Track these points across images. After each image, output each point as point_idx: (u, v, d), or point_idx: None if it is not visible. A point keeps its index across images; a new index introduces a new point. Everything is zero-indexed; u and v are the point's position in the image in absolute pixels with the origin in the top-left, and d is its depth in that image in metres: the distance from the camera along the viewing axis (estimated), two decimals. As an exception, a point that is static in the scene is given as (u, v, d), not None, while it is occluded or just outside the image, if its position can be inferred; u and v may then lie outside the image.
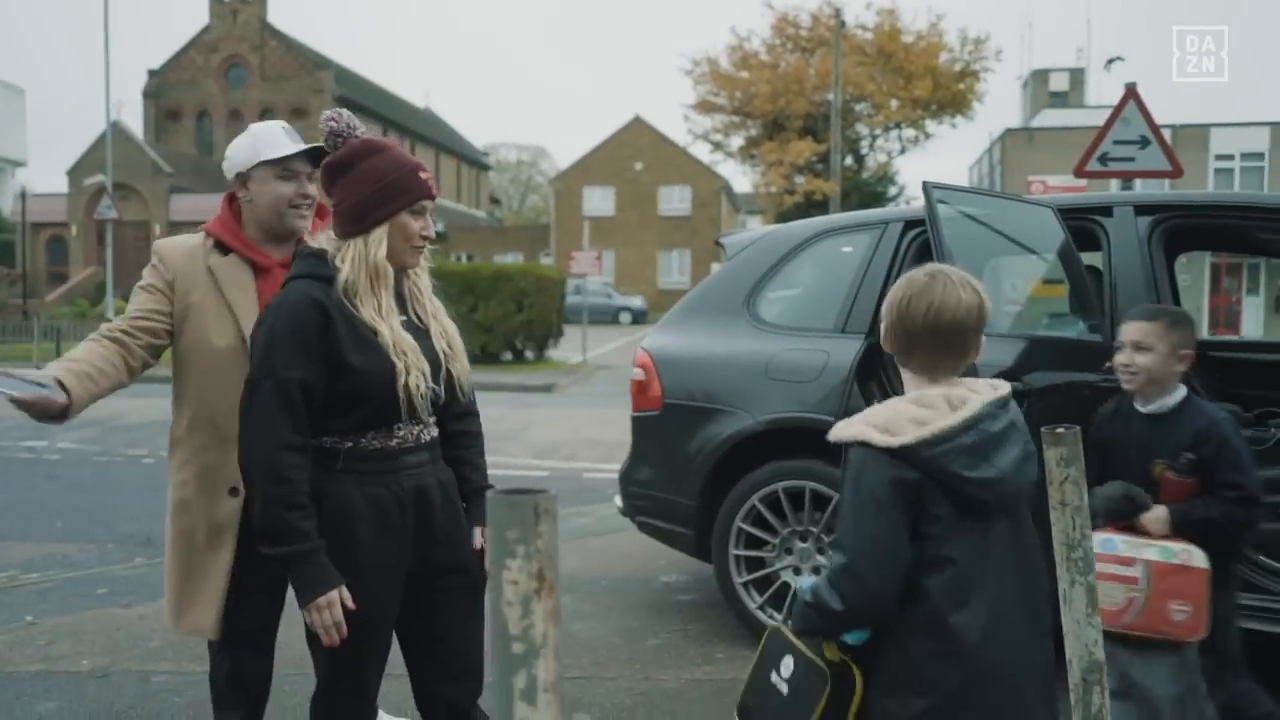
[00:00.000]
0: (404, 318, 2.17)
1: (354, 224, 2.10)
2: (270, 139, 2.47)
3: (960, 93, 31.63)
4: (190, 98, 44.21)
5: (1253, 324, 28.54)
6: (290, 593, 2.16)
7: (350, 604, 2.03)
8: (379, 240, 2.09)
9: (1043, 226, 3.55)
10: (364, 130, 2.21)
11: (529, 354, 19.82)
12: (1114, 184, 7.51)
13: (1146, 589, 2.51)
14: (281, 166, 2.43)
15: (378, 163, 2.11)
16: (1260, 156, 29.58)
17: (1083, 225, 3.62)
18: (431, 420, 2.22)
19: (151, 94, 44.36)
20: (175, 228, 37.80)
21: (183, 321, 2.48)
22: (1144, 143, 6.75)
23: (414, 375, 2.08)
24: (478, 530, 2.29)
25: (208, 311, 2.44)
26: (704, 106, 33.10)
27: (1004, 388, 1.81)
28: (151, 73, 44.55)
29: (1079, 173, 6.94)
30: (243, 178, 2.48)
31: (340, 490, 2.07)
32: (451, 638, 2.27)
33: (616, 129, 45.28)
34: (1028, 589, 1.81)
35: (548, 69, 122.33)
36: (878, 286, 3.83)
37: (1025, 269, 5.17)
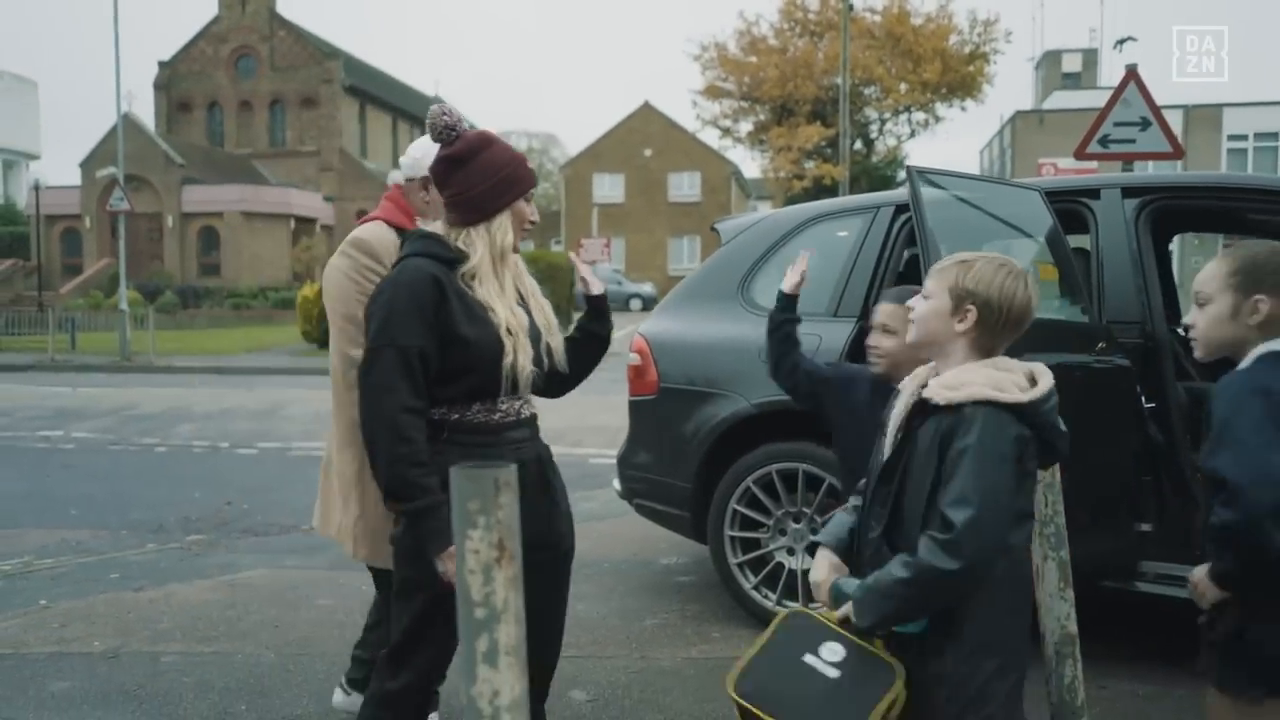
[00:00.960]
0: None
1: (476, 212, 2.25)
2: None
3: (970, 75, 31.41)
4: (200, 89, 44.32)
5: (1266, 306, 28.30)
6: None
7: None
8: (504, 226, 2.27)
9: (1030, 209, 3.58)
10: (470, 124, 2.35)
11: (538, 341, 19.91)
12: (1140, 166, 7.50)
13: None
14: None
15: (494, 155, 2.27)
16: (1274, 136, 29.32)
17: (1070, 208, 3.66)
18: (531, 398, 2.39)
19: (162, 85, 44.49)
20: (187, 219, 38.02)
21: None
22: (1144, 124, 6.73)
23: (521, 353, 2.24)
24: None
25: None
26: (712, 92, 33.00)
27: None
28: (162, 64, 44.66)
29: (1080, 155, 6.93)
30: (425, 180, 2.72)
31: (445, 460, 2.10)
32: (539, 608, 2.35)
33: (626, 116, 45.22)
34: None
35: (557, 56, 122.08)
36: (869, 270, 3.88)
37: (1021, 251, 5.19)
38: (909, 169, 3.33)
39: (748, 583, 3.99)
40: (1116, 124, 6.80)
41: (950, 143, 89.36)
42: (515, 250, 2.35)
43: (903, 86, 31.15)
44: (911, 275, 4.05)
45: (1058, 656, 2.26)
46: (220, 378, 16.41)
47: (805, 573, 3.91)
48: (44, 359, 18.51)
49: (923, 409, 1.86)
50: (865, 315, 3.85)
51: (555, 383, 2.51)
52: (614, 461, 4.68)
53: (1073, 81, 36.50)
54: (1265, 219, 3.91)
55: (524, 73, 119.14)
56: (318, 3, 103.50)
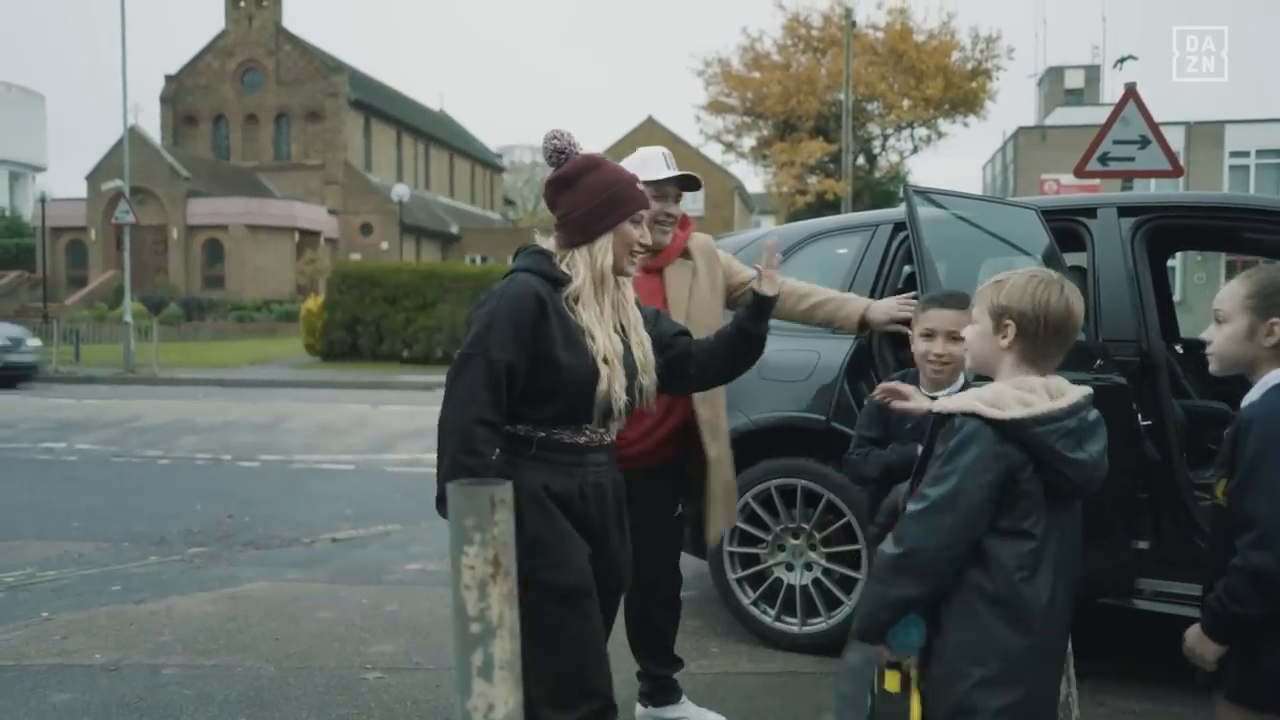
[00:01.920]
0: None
1: (580, 234, 2.26)
2: (652, 163, 2.96)
3: (972, 91, 31.46)
4: (207, 102, 44.54)
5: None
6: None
7: (574, 578, 2.15)
8: (604, 249, 2.27)
9: (1027, 228, 3.61)
10: (584, 148, 2.38)
11: (541, 355, 19.91)
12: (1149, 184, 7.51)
13: None
14: (656, 188, 2.87)
15: (600, 176, 2.28)
16: (1276, 154, 29.33)
17: (1067, 226, 3.68)
18: (614, 426, 2.35)
19: (168, 99, 44.72)
20: (192, 231, 38.16)
21: None
22: (1144, 142, 6.77)
23: (615, 384, 2.22)
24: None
25: None
26: (716, 107, 33.09)
27: (1085, 388, 1.91)
28: (168, 78, 44.90)
29: (1080, 173, 6.97)
30: None
31: (533, 475, 2.17)
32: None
33: (629, 130, 45.35)
34: (1071, 571, 1.91)
35: (561, 71, 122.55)
36: (868, 287, 3.90)
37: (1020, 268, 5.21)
38: (906, 187, 3.36)
39: (746, 598, 4.00)
40: (1116, 142, 6.84)
41: (953, 158, 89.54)
42: (624, 274, 2.33)
43: (905, 102, 31.22)
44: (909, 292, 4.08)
45: (1052, 673, 2.27)
46: (223, 390, 16.45)
47: (804, 588, 3.94)
48: (48, 370, 18.56)
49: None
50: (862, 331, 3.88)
51: (686, 380, 2.48)
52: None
53: (1075, 98, 36.59)
54: (1260, 238, 3.93)
55: (528, 87, 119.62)
56: (324, 17, 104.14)
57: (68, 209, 38.20)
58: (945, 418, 1.87)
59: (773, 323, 4.13)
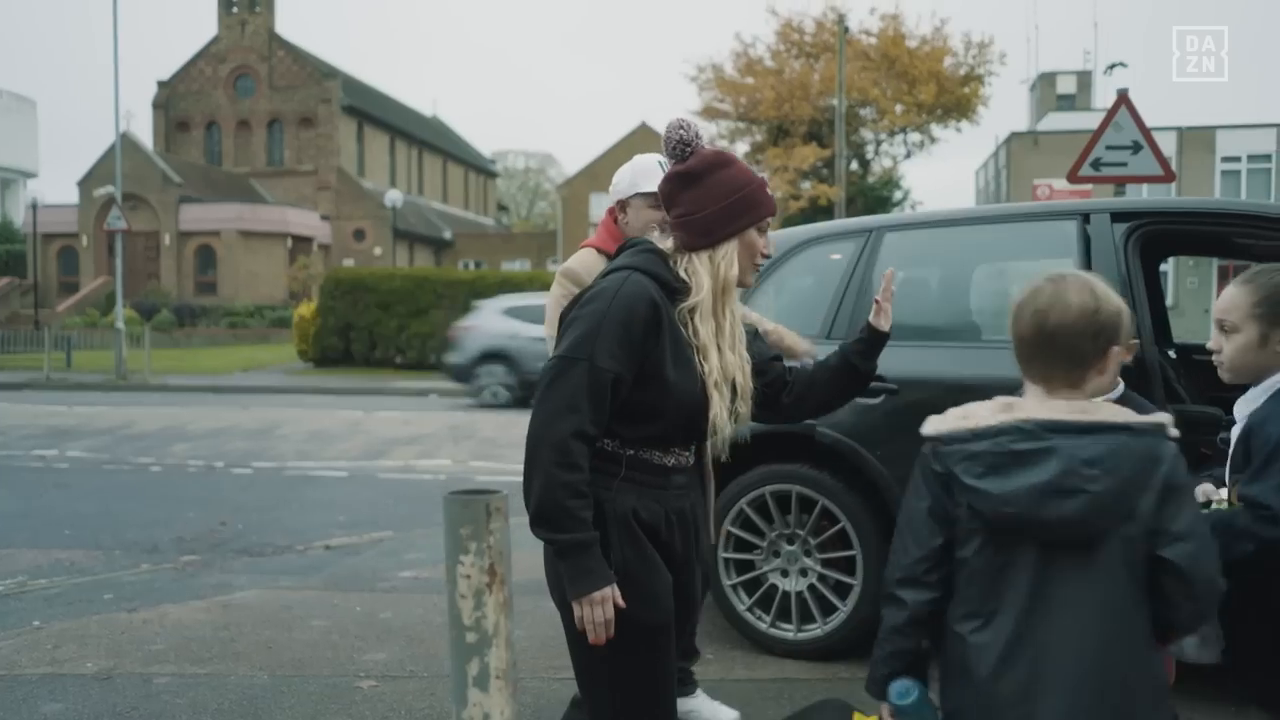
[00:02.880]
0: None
1: (702, 237, 2.03)
2: (648, 173, 2.89)
3: (965, 97, 31.56)
4: (199, 108, 44.50)
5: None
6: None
7: (621, 603, 1.89)
8: (729, 256, 2.03)
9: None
10: (710, 142, 2.17)
11: (535, 361, 19.92)
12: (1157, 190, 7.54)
13: None
14: (655, 198, 2.68)
15: (732, 175, 2.06)
16: (1267, 158, 29.51)
17: (1059, 231, 3.69)
18: (700, 449, 2.20)
19: (161, 105, 44.67)
20: (184, 237, 38.08)
21: None
22: (1136, 148, 6.80)
23: (724, 410, 2.02)
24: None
25: None
26: (709, 113, 33.13)
27: (1121, 415, 1.62)
28: (161, 84, 44.86)
29: (1072, 178, 6.99)
30: (621, 204, 2.94)
31: (622, 497, 1.98)
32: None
33: (623, 136, 45.44)
34: (1104, 665, 1.57)
35: (554, 77, 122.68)
36: (859, 293, 3.91)
37: (1024, 275, 5.23)
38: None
39: (741, 604, 3.99)
40: (1108, 147, 6.87)
41: (946, 163, 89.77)
42: (745, 285, 2.10)
43: (898, 108, 31.31)
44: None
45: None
46: (216, 397, 16.40)
47: (799, 595, 3.94)
48: (39, 377, 18.50)
49: None
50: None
51: (778, 409, 2.27)
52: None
53: (1067, 103, 36.76)
54: (1251, 243, 3.94)
55: (522, 93, 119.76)
56: (316, 23, 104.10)
57: (59, 215, 38.11)
58: None
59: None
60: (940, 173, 63.70)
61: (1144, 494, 1.55)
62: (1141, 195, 14.10)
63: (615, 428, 1.98)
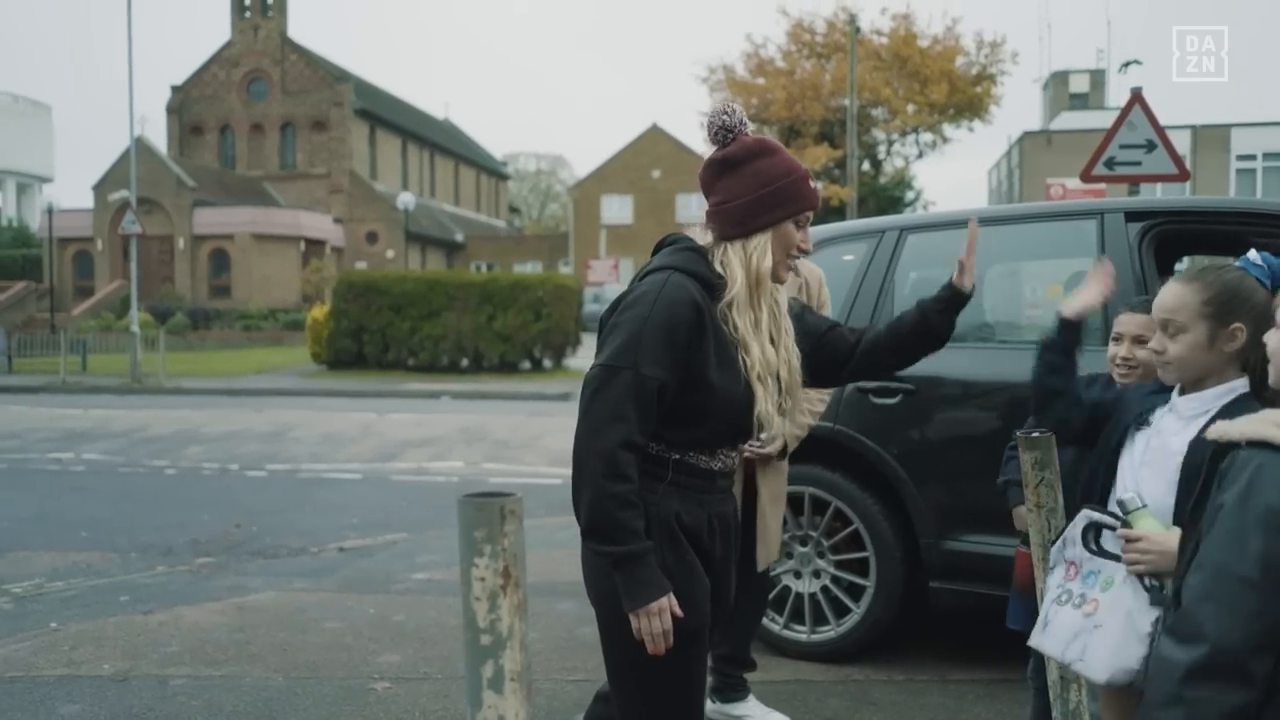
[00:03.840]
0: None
1: (736, 226, 1.97)
2: None
3: (977, 96, 31.49)
4: (213, 112, 44.74)
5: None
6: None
7: (679, 612, 1.86)
8: (763, 247, 1.97)
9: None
10: (754, 129, 2.12)
11: (546, 363, 19.97)
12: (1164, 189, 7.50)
13: None
14: None
15: (772, 164, 2.00)
16: (1282, 156, 29.32)
17: (1074, 231, 3.68)
18: (744, 450, 2.20)
19: (175, 109, 44.92)
20: (198, 241, 38.28)
21: None
22: (1150, 146, 6.76)
23: (770, 406, 1.97)
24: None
25: None
26: (720, 114, 33.16)
27: None
28: (174, 88, 45.12)
29: (1085, 177, 6.97)
30: None
31: (666, 502, 1.95)
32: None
33: (634, 137, 45.51)
34: None
35: (565, 79, 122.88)
36: (874, 293, 3.90)
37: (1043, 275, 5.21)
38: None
39: (755, 606, 3.99)
40: (1122, 146, 6.84)
41: (958, 163, 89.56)
42: (780, 280, 2.02)
43: (910, 108, 31.26)
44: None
45: (1062, 682, 2.26)
46: (230, 399, 16.48)
47: (812, 596, 3.93)
48: (55, 381, 18.62)
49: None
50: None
51: (833, 377, 2.22)
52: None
53: (1080, 102, 36.59)
54: (1267, 242, 3.92)
55: (533, 95, 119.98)
56: (329, 27, 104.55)
57: (75, 219, 38.36)
58: (1227, 447, 1.37)
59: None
60: (952, 173, 63.46)
61: None
62: (1155, 194, 14.03)
63: (661, 432, 1.94)
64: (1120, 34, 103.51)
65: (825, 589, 3.88)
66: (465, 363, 20.07)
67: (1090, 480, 2.17)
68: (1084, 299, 2.25)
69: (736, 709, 3.32)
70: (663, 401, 1.90)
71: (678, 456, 1.97)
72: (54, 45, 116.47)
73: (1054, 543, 2.11)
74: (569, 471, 1.95)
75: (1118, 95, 33.32)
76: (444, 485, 8.24)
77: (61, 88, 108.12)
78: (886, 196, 32.41)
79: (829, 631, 3.85)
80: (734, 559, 2.14)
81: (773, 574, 3.96)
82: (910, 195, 34.91)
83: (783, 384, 2.02)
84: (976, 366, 3.69)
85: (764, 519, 3.11)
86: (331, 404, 15.51)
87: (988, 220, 4.12)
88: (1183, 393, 2.02)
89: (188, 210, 37.97)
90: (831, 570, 3.86)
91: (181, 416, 13.51)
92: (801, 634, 3.90)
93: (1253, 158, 29.39)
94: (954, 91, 30.63)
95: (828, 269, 4.25)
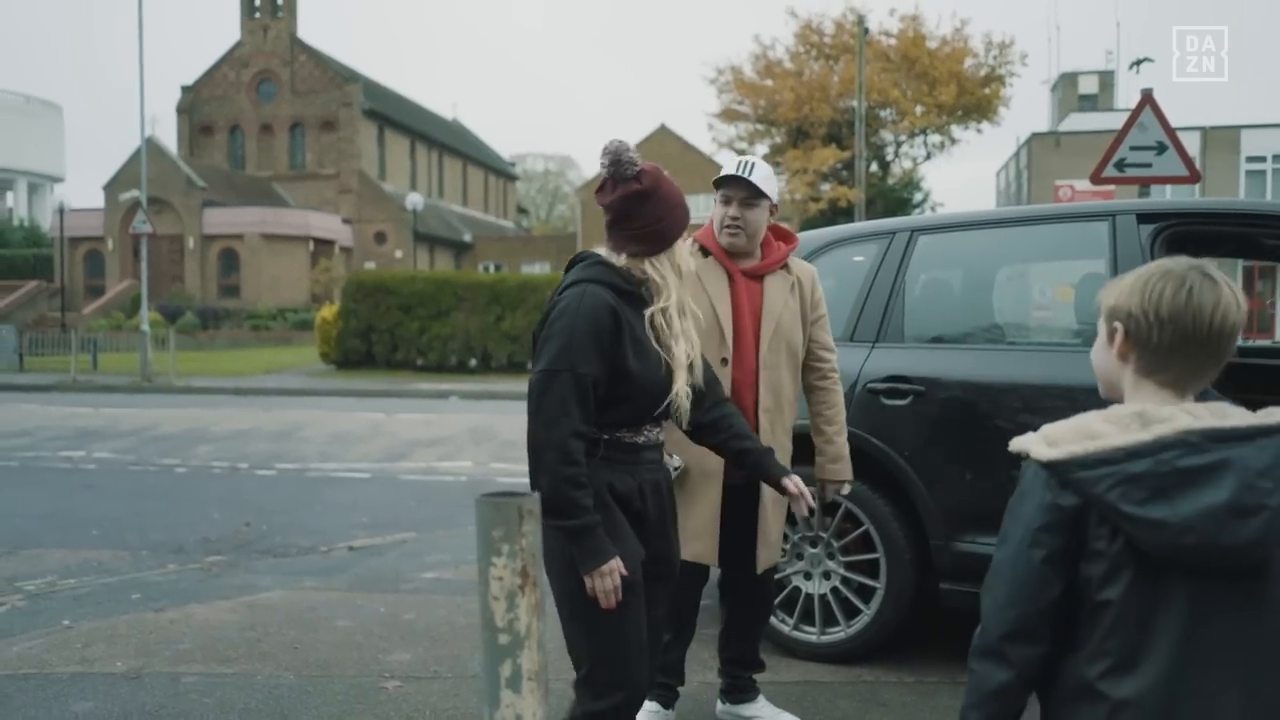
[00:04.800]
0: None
1: (662, 243, 2.35)
2: (725, 167, 3.07)
3: (985, 98, 31.40)
4: (222, 112, 44.90)
5: (1286, 328, 28.11)
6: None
7: (625, 571, 2.20)
8: (682, 252, 2.39)
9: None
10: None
11: (555, 363, 19.94)
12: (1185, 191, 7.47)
13: None
14: (721, 190, 3.05)
15: (672, 186, 2.39)
16: (1293, 158, 29.18)
17: (1086, 233, 3.67)
18: (666, 426, 2.47)
19: (185, 109, 45.10)
20: (208, 241, 38.42)
21: None
22: (1161, 148, 6.73)
23: (685, 387, 2.32)
24: (787, 480, 2.49)
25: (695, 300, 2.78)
26: (728, 115, 33.13)
27: (1272, 415, 1.39)
28: (185, 89, 45.29)
29: (1096, 179, 6.94)
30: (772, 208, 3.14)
31: (599, 473, 2.26)
32: (655, 620, 2.49)
33: (642, 138, 45.43)
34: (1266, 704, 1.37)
35: (573, 80, 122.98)
36: (884, 295, 3.90)
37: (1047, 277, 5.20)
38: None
39: (764, 607, 3.99)
40: (1133, 148, 6.80)
41: (967, 165, 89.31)
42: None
43: (918, 109, 31.19)
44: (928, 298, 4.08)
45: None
46: (239, 399, 16.54)
47: (822, 597, 3.93)
48: (66, 379, 18.71)
49: None
50: (880, 338, 3.88)
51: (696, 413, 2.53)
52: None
53: (1089, 103, 36.47)
54: (1279, 244, 3.91)
55: (540, 98, 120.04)
56: (338, 28, 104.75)
57: (85, 219, 38.54)
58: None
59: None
60: (961, 174, 63.44)
61: None
62: (1165, 196, 13.97)
63: (596, 416, 2.26)
64: (1129, 35, 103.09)
65: (835, 590, 3.88)
66: (473, 363, 20.10)
67: None
68: None
69: (746, 710, 3.33)
70: (598, 393, 2.23)
71: (607, 436, 2.29)
72: (65, 46, 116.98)
73: None
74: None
75: (1127, 97, 33.21)
76: (453, 485, 8.26)
77: (72, 88, 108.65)
78: (895, 198, 32.36)
79: (839, 633, 3.85)
80: (671, 521, 2.48)
81: (782, 575, 3.97)
82: (919, 197, 34.84)
83: (694, 369, 2.38)
84: (986, 368, 3.69)
85: (765, 521, 3.12)
86: (340, 403, 15.54)
87: (1005, 222, 4.12)
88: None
89: (197, 210, 38.11)
90: (841, 571, 3.86)
91: (191, 415, 13.56)
92: (811, 635, 3.90)
93: (1263, 159, 29.27)
94: (962, 93, 30.55)
95: (838, 270, 4.26)
